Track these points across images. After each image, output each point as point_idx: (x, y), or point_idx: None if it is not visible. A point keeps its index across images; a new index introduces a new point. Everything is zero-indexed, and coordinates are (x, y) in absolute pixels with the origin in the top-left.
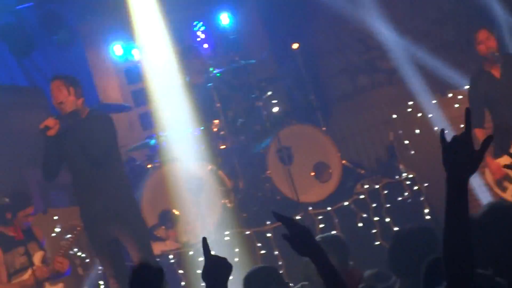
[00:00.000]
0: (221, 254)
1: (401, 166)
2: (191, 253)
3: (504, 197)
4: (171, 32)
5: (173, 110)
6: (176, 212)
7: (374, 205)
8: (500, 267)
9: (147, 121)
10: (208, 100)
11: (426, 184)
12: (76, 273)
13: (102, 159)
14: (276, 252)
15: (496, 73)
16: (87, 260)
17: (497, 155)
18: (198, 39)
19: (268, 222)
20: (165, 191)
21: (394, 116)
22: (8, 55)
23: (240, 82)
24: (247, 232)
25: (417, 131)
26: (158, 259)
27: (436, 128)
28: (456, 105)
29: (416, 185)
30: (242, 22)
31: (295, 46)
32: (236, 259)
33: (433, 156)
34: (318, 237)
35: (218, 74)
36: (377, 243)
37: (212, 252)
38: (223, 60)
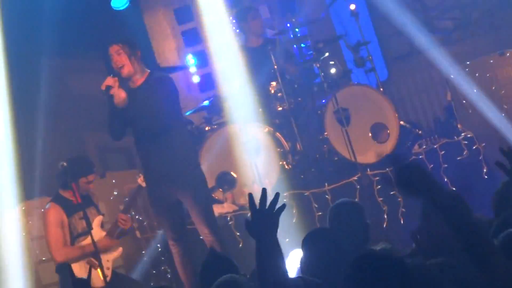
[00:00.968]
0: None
1: (459, 126)
2: (248, 215)
3: None
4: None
5: (231, 73)
6: (233, 174)
7: (432, 165)
8: None
9: (205, 83)
10: (266, 62)
11: (483, 144)
12: (134, 236)
13: (165, 121)
14: None
15: None
16: (145, 223)
17: None
18: None
19: (326, 184)
20: (223, 154)
21: (452, 76)
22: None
23: (298, 43)
24: (305, 194)
25: (475, 90)
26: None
27: (494, 88)
28: None
29: (474, 145)
30: None
31: (352, 7)
32: (294, 220)
33: None
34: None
35: (275, 36)
36: None
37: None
38: (280, 21)
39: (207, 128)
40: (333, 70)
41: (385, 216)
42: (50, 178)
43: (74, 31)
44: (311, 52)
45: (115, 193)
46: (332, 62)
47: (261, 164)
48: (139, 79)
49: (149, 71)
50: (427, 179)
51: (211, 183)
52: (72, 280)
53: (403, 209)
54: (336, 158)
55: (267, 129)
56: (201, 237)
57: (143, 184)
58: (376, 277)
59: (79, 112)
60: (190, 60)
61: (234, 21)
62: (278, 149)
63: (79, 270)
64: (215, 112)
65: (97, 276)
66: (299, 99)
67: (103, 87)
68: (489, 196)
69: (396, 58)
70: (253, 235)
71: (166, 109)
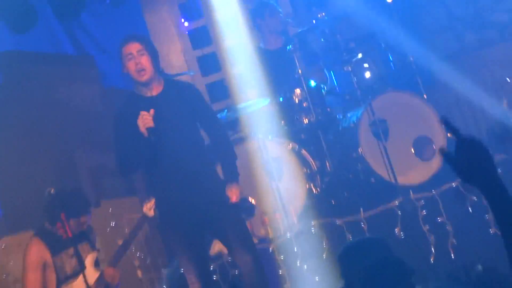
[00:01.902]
0: (307, 250)
1: None
2: (270, 250)
3: None
4: None
5: (247, 79)
6: (252, 200)
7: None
8: None
9: (216, 92)
10: (288, 66)
11: None
12: (135, 276)
13: (194, 136)
14: None
15: None
16: (148, 261)
17: None
18: None
19: (361, 210)
20: (239, 176)
21: (508, 79)
22: (52, 18)
23: (326, 44)
24: (337, 222)
25: None
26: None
27: None
28: None
29: None
30: None
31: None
32: (324, 255)
33: None
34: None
35: (299, 35)
36: (492, 231)
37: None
38: (304, 17)
39: None
40: (367, 74)
41: (432, 249)
42: (34, 208)
43: (62, 31)
44: (342, 52)
45: (112, 224)
46: (366, 65)
47: (284, 187)
48: (157, 87)
49: (163, 79)
50: (491, 164)
51: None
52: None
53: (454, 240)
54: (372, 180)
55: (291, 145)
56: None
57: (150, 214)
58: None
59: (70, 127)
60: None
61: (250, 18)
62: (304, 170)
63: None
64: (229, 127)
65: None
66: (328, 109)
67: (143, 130)
68: None
69: (441, 59)
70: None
71: (194, 122)
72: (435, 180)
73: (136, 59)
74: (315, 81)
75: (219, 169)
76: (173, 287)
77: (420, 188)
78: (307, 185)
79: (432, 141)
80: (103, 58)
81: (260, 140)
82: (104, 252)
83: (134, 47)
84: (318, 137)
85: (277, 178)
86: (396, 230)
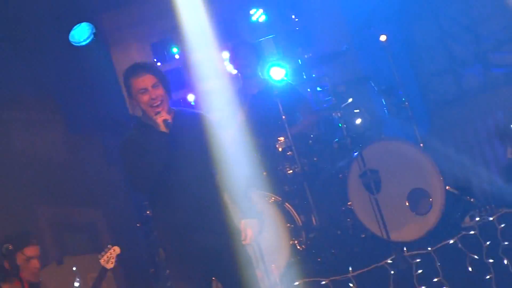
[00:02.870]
0: None
1: None
2: None
3: None
4: (219, 23)
5: (224, 125)
6: None
7: (488, 243)
8: None
9: None
10: (270, 112)
11: None
12: None
13: (206, 169)
14: None
15: None
16: None
17: None
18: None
19: (350, 268)
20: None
21: None
22: (11, 55)
23: (312, 86)
24: (323, 282)
25: None
26: None
27: None
28: None
29: None
30: (314, 6)
31: (383, 38)
32: None
33: None
34: None
35: (283, 78)
36: None
37: None
38: (290, 58)
39: None
40: (358, 121)
41: None
42: None
43: (20, 73)
44: (330, 97)
45: (76, 284)
46: (357, 111)
47: (265, 244)
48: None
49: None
50: None
51: None
52: None
53: None
54: (363, 235)
55: (273, 198)
56: None
57: (109, 265)
58: None
59: (30, 178)
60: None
61: (228, 59)
62: (288, 225)
63: None
64: None
65: None
66: (315, 159)
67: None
68: None
69: (440, 104)
70: None
71: (210, 153)
72: (431, 237)
73: (151, 93)
74: (300, 128)
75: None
76: None
77: (415, 245)
78: (291, 242)
79: (428, 194)
80: (68, 102)
81: None
82: None
83: (149, 81)
84: (303, 189)
85: (258, 233)
86: None
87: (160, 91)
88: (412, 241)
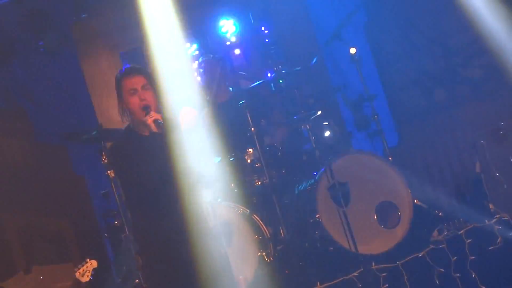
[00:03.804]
0: None
1: (490, 206)
2: None
3: None
4: (189, 34)
5: (193, 136)
6: None
7: (456, 257)
8: None
9: None
10: (239, 123)
11: None
12: None
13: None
14: None
15: None
16: None
17: None
18: (228, 43)
19: (318, 282)
20: None
21: (482, 140)
22: None
23: (282, 99)
24: None
25: None
26: None
27: None
28: None
29: (510, 231)
30: (284, 18)
31: (352, 51)
32: None
33: None
34: None
35: (251, 89)
36: None
37: None
38: (259, 70)
39: None
40: (327, 133)
41: None
42: None
43: None
44: (299, 109)
45: None
46: (326, 123)
47: (233, 255)
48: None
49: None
50: None
51: None
52: None
53: None
54: (331, 248)
55: (241, 210)
56: None
57: (84, 279)
58: None
59: None
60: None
61: (201, 70)
62: (256, 236)
63: None
64: None
65: None
66: (283, 171)
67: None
68: None
69: (409, 118)
70: None
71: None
72: (400, 250)
73: (141, 94)
74: (269, 140)
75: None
76: None
77: (383, 258)
78: (259, 253)
79: (396, 207)
80: (36, 111)
81: (208, 203)
82: None
83: (139, 81)
84: (271, 201)
85: (226, 245)
86: None
87: (149, 93)
88: (380, 254)
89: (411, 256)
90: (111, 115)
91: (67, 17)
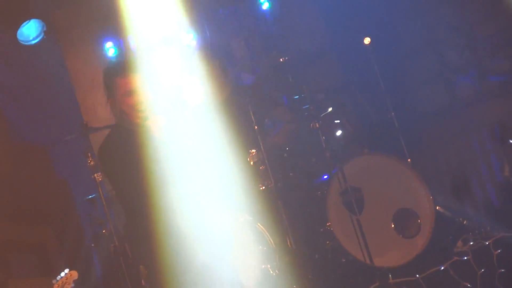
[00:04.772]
0: None
1: None
2: None
3: None
4: (182, 22)
5: (188, 134)
6: None
7: (482, 270)
8: None
9: None
10: (240, 121)
11: None
12: None
13: None
14: None
15: None
16: None
17: None
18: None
19: None
20: None
21: (511, 140)
22: None
23: (288, 94)
24: None
25: None
26: None
27: None
28: None
29: None
30: (291, 6)
31: (366, 40)
32: None
33: None
34: None
35: (255, 85)
36: None
37: None
38: (263, 62)
39: None
40: (338, 133)
41: None
42: None
43: None
44: (308, 106)
45: None
46: (337, 121)
47: (234, 267)
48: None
49: None
50: None
51: None
52: None
53: None
54: (343, 260)
55: (243, 218)
56: None
57: None
58: None
59: None
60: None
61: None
62: (260, 247)
63: None
64: None
65: None
66: (290, 174)
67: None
68: None
69: (430, 115)
70: None
71: None
72: (420, 262)
73: (139, 95)
74: (275, 140)
75: None
76: None
77: (401, 271)
78: (263, 266)
79: (416, 215)
80: (14, 106)
81: (206, 209)
82: None
83: (135, 81)
84: (277, 207)
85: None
86: None
87: (146, 93)
88: (398, 267)
89: (433, 269)
90: (96, 111)
91: (50, 6)
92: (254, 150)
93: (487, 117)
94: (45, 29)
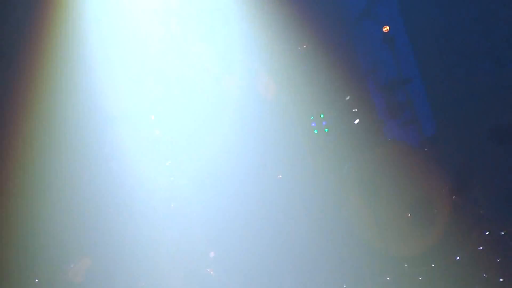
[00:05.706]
0: None
1: None
2: None
3: None
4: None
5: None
6: None
7: (499, 259)
8: None
9: None
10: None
11: None
12: None
13: None
14: None
15: None
16: None
17: None
18: None
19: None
20: None
21: None
22: None
23: (306, 82)
24: None
25: None
26: None
27: None
28: None
29: None
30: None
31: (385, 29)
32: None
33: None
34: None
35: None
36: None
37: None
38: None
39: None
40: (356, 121)
41: None
42: None
43: None
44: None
45: None
46: (355, 110)
47: None
48: None
49: None
50: None
51: None
52: None
53: None
54: (359, 249)
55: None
56: None
57: None
58: None
59: None
60: None
61: None
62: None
63: None
64: None
65: None
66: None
67: None
68: None
69: (448, 104)
70: None
71: None
72: (436, 252)
73: None
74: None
75: None
76: None
77: (417, 260)
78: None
79: (433, 204)
80: None
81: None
82: None
83: None
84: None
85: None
86: None
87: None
88: (415, 256)
89: (449, 259)
90: None
91: None
92: None
93: (506, 106)
94: None
